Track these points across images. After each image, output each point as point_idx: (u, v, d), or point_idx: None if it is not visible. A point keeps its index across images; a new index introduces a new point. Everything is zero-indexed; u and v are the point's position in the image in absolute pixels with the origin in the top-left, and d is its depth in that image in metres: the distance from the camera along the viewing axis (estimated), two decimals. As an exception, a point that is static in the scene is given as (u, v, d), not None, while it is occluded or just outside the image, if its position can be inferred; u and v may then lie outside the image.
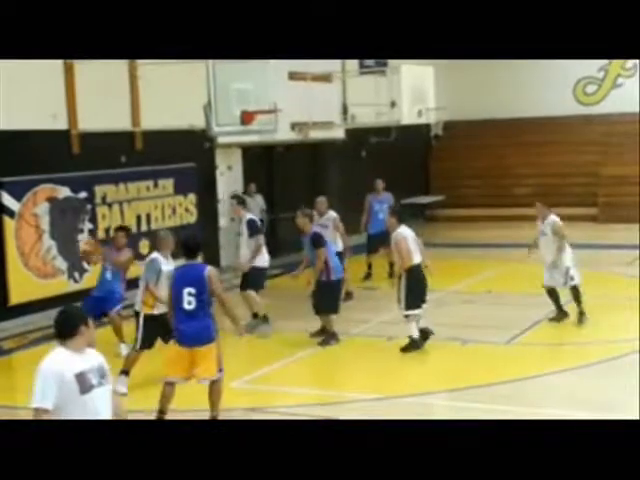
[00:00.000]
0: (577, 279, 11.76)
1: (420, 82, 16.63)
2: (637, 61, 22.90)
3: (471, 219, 22.23)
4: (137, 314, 9.64)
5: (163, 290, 9.06)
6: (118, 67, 13.65)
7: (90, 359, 5.06)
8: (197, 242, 8.05)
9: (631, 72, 23.03)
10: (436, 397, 8.88)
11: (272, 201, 17.83)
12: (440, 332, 11.49)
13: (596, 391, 8.86)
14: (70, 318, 5.11)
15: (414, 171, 22.86)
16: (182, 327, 7.86)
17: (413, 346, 10.55)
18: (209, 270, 7.88)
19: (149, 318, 9.41)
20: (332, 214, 13.13)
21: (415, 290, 10.59)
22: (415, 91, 16.32)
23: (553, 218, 11.95)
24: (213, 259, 15.88)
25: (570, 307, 11.88)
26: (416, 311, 10.57)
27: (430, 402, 8.67)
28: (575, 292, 11.77)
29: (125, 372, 9.32)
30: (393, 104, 16.03)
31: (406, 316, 10.64)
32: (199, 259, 8.09)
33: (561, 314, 11.81)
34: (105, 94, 13.49)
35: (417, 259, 10.68)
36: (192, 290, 7.76)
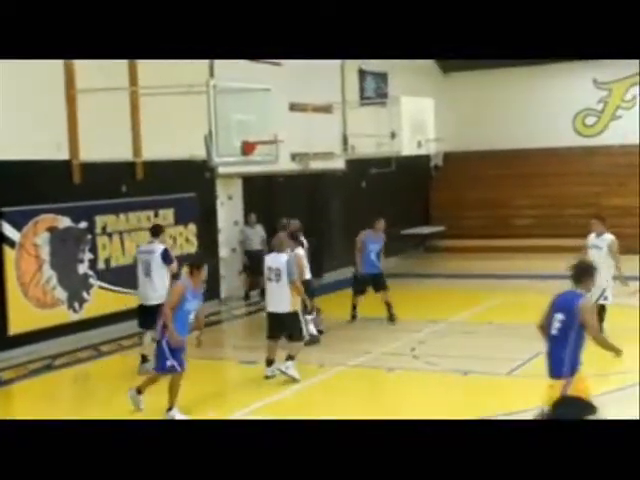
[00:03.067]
0: (609, 300, 12.36)
1: (420, 113, 16.74)
2: (636, 93, 23.04)
3: (471, 250, 22.23)
4: (291, 314, 10.68)
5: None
6: (119, 97, 13.73)
7: None
8: (585, 269, 7.72)
9: (630, 104, 23.15)
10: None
11: (273, 231, 17.82)
12: (441, 363, 11.46)
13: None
14: None
15: (414, 202, 22.90)
16: (547, 354, 7.56)
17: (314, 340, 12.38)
18: (584, 301, 7.40)
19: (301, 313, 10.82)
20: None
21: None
22: (415, 122, 16.42)
23: (611, 236, 12.66)
24: (213, 290, 15.87)
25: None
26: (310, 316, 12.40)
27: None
28: (602, 311, 12.17)
29: (292, 357, 10.63)
30: (393, 135, 16.13)
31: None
32: (581, 287, 7.55)
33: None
34: (106, 124, 13.55)
35: (308, 275, 12.67)
36: (561, 317, 7.43)
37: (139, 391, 9.54)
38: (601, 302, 12.25)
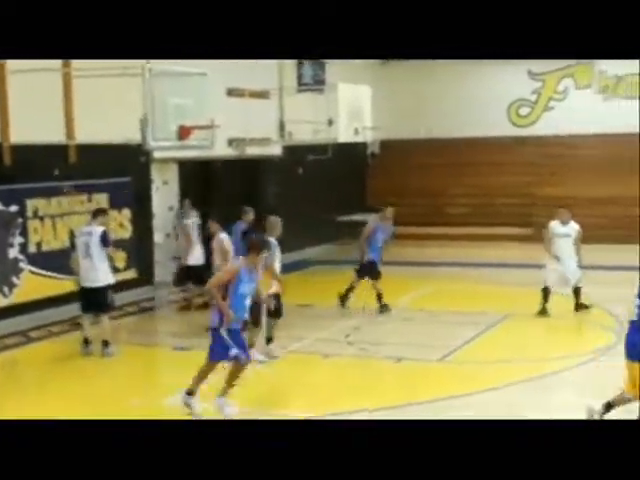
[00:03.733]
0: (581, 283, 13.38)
1: (357, 101, 16.79)
2: (568, 85, 23.45)
3: (406, 237, 22.35)
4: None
5: (277, 270, 10.73)
6: (52, 79, 13.45)
7: None
8: None
9: (562, 95, 23.55)
10: (366, 415, 8.86)
11: (209, 216, 17.68)
12: (375, 350, 11.55)
13: (525, 409, 8.96)
14: None
15: (351, 189, 22.99)
16: (627, 338, 7.54)
17: None
18: None
19: (277, 296, 10.77)
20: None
21: None
22: (352, 110, 16.46)
23: (576, 224, 13.30)
24: (147, 275, 15.73)
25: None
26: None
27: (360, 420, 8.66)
28: (578, 291, 13.34)
29: (270, 339, 11.11)
30: (330, 122, 16.15)
31: None
32: None
33: (544, 310, 13.29)
34: (38, 106, 13.26)
35: None
36: (638, 302, 7.39)
37: (190, 393, 8.67)
38: (578, 285, 13.29)
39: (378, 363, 10.97)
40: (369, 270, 14.00)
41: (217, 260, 12.81)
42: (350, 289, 14.12)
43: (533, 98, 23.83)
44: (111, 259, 11.94)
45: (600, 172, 22.20)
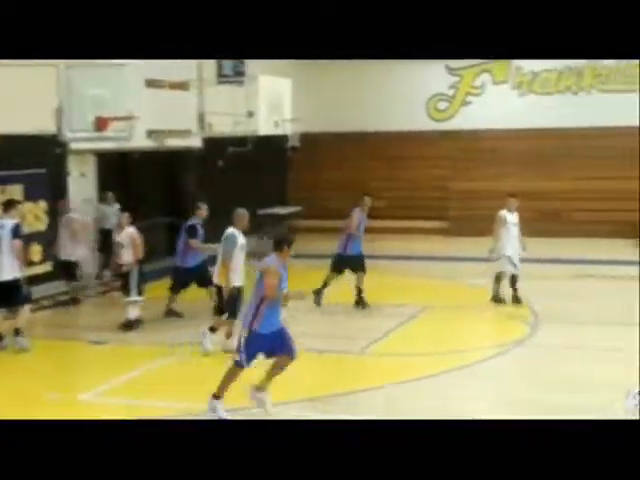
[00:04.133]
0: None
1: (277, 93, 16.78)
2: (485, 80, 23.86)
3: (329, 230, 22.43)
4: (219, 287, 10.89)
5: (237, 262, 10.60)
6: (-36, 67, 13.05)
7: None
8: None
9: (479, 90, 23.95)
10: (290, 407, 8.89)
11: (127, 209, 17.41)
12: (298, 342, 11.55)
13: (445, 399, 9.11)
14: None
15: (271, 182, 22.94)
16: None
17: (132, 326, 12.36)
18: None
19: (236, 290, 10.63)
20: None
21: (141, 280, 12.51)
22: (272, 102, 16.45)
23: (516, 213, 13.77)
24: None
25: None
26: (140, 298, 12.50)
27: (285, 412, 8.68)
28: (516, 279, 13.72)
29: (213, 329, 11.00)
30: (250, 114, 16.10)
31: (134, 301, 12.40)
32: None
33: (499, 298, 13.74)
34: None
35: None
36: None
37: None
38: (517, 271, 13.61)
39: (300, 355, 10.97)
40: (362, 262, 13.97)
41: (125, 255, 12.58)
42: (359, 290, 13.93)
43: (451, 93, 24.18)
44: (25, 252, 11.66)
45: (516, 166, 22.70)
